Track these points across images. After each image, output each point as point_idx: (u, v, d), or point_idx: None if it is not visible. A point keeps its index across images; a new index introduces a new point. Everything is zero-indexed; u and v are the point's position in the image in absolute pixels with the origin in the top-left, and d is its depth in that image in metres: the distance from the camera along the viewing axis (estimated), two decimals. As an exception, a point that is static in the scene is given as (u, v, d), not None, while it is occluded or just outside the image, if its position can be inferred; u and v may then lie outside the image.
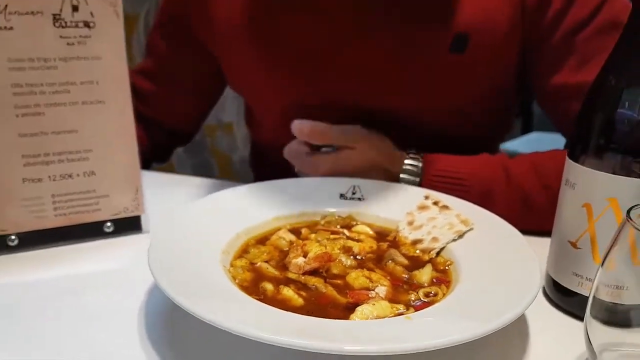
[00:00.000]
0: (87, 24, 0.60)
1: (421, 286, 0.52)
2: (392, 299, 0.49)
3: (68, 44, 0.60)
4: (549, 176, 0.67)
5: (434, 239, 0.59)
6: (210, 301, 0.43)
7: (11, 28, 0.57)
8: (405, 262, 0.56)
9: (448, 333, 0.39)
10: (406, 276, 0.54)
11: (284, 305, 0.47)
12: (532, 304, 0.45)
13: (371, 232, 0.63)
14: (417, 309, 0.47)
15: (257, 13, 0.78)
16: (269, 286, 0.50)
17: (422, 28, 0.73)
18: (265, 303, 0.46)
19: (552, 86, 0.74)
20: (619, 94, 0.47)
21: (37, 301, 0.54)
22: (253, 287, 0.50)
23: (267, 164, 0.96)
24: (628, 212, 0.38)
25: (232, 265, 0.53)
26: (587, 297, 0.40)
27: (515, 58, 0.77)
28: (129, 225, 0.67)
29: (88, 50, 0.60)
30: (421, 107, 0.77)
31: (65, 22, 0.59)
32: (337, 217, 0.65)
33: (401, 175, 0.71)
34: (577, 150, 0.50)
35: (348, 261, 0.55)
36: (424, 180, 0.71)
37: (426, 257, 0.57)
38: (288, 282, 0.51)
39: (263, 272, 0.53)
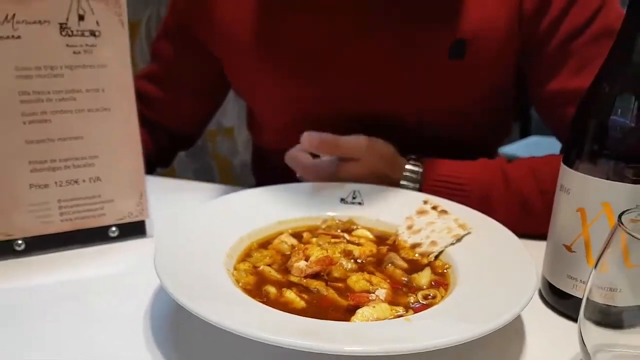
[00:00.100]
0: (93, 33, 0.61)
1: (420, 289, 0.53)
2: (392, 302, 0.50)
3: (74, 52, 0.61)
4: (546, 181, 0.68)
5: (433, 243, 0.60)
6: (214, 303, 0.44)
7: (19, 37, 0.58)
8: (405, 265, 0.57)
9: (446, 334, 0.41)
10: (405, 279, 0.55)
11: (286, 307, 0.48)
12: (529, 306, 0.46)
13: (371, 236, 0.64)
14: (416, 311, 0.48)
15: (260, 16, 0.79)
16: (271, 289, 0.51)
17: (422, 32, 0.74)
18: (268, 305, 0.47)
19: (548, 92, 0.76)
20: (612, 101, 0.48)
21: (44, 305, 0.55)
22: (256, 290, 0.51)
23: (268, 168, 0.97)
24: (619, 216, 0.39)
25: (235, 269, 0.54)
26: (581, 300, 0.41)
27: (513, 63, 0.78)
28: (134, 229, 0.68)
29: (94, 58, 0.62)
30: (421, 110, 0.78)
31: (72, 31, 0.60)
32: (337, 222, 0.66)
33: (401, 182, 0.72)
34: (571, 156, 0.51)
35: (349, 265, 0.56)
36: (425, 184, 0.72)
37: (425, 261, 0.58)
38: (290, 285, 0.52)
39: (266, 275, 0.54)
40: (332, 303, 0.50)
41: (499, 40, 0.74)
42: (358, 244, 0.61)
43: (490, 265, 0.53)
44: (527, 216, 0.68)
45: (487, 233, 0.59)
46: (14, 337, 0.49)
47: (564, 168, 0.52)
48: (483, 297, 0.48)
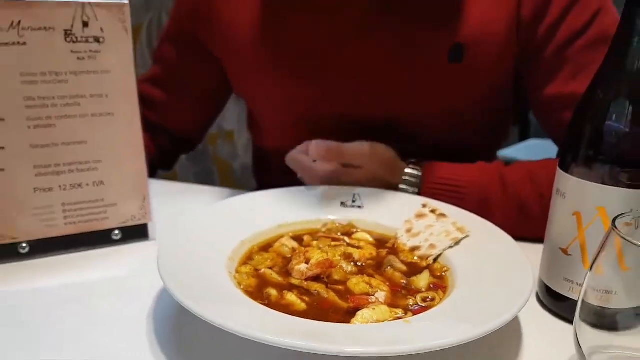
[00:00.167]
0: (97, 39, 0.62)
1: (419, 291, 0.53)
2: (391, 304, 0.51)
3: (79, 58, 0.62)
4: (543, 184, 0.68)
5: (432, 246, 0.60)
6: (217, 306, 0.45)
7: (24, 43, 0.59)
8: (404, 268, 0.58)
9: (444, 335, 0.41)
10: (405, 282, 0.55)
11: (287, 309, 0.49)
12: (527, 309, 0.46)
13: (371, 239, 0.64)
14: (415, 313, 0.49)
15: (261, 18, 0.80)
16: (273, 292, 0.51)
17: (421, 35, 0.76)
18: (270, 308, 0.47)
19: (545, 96, 0.77)
20: (606, 107, 0.49)
21: (48, 307, 0.55)
22: (258, 292, 0.52)
23: (269, 168, 0.98)
24: (614, 221, 0.39)
25: (237, 272, 0.55)
26: (577, 302, 0.41)
27: (512, 68, 0.79)
28: (137, 233, 0.69)
29: (98, 64, 0.62)
30: (420, 112, 0.79)
31: (76, 38, 0.61)
32: (337, 225, 0.67)
33: (400, 186, 0.73)
34: (567, 161, 0.51)
35: (349, 267, 0.57)
36: (424, 187, 0.73)
37: (424, 264, 0.59)
38: (291, 287, 0.53)
39: (267, 278, 0.55)
40: (333, 305, 0.51)
41: (497, 45, 0.75)
42: (358, 247, 0.61)
43: (487, 268, 0.54)
44: (525, 220, 0.69)
45: (485, 236, 0.60)
46: (18, 339, 0.50)
47: (559, 172, 0.53)
48: (481, 299, 0.49)
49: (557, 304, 0.55)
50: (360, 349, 0.40)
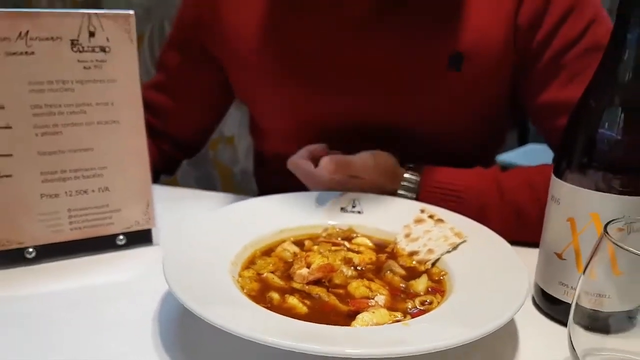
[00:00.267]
0: (103, 49, 0.63)
1: (417, 295, 0.55)
2: (391, 307, 0.52)
3: (85, 67, 0.63)
4: (539, 190, 0.69)
5: (430, 251, 0.61)
6: (221, 308, 0.46)
7: (32, 53, 0.61)
8: (403, 272, 0.59)
9: (442, 337, 0.43)
10: (403, 286, 0.56)
11: (289, 313, 0.50)
12: (523, 312, 0.48)
13: (370, 244, 0.65)
14: (413, 316, 0.50)
15: (264, 27, 0.82)
16: (275, 295, 0.53)
17: (421, 44, 0.77)
18: (272, 311, 0.49)
19: (540, 103, 0.78)
20: (599, 115, 0.50)
21: (53, 311, 0.56)
22: (260, 296, 0.53)
23: (270, 172, 0.99)
24: (605, 227, 0.41)
25: (240, 276, 0.56)
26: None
27: (510, 75, 0.80)
28: (141, 238, 0.70)
29: (104, 73, 0.64)
30: (419, 118, 0.81)
31: (83, 47, 0.63)
32: (338, 230, 0.68)
33: (399, 191, 0.75)
34: (561, 168, 0.53)
35: (349, 272, 0.58)
36: (422, 191, 0.74)
37: (422, 268, 0.60)
38: (293, 291, 0.54)
39: (269, 282, 0.56)
40: (333, 308, 0.52)
41: (495, 54, 0.77)
42: (358, 252, 0.63)
43: (484, 273, 0.55)
44: (521, 225, 0.70)
45: (482, 241, 0.61)
46: (24, 343, 0.51)
47: (554, 179, 0.54)
48: (478, 302, 0.50)
49: (552, 307, 0.56)
50: (360, 350, 0.41)
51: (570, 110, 0.54)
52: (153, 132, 0.91)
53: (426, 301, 0.53)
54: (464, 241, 0.62)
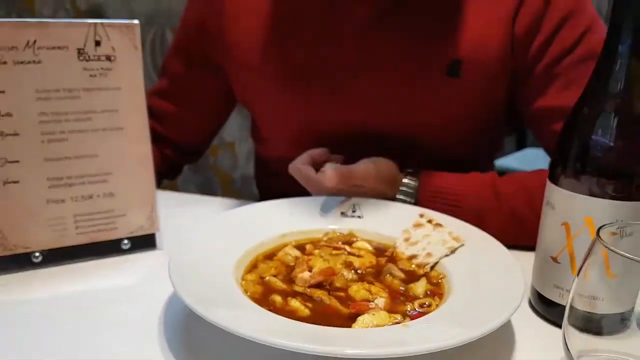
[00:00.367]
0: (108, 58, 0.65)
1: (416, 298, 0.56)
2: (390, 310, 0.53)
3: (91, 75, 0.64)
4: (535, 195, 0.69)
5: (428, 255, 0.63)
6: (225, 311, 0.47)
7: (39, 62, 0.62)
8: (402, 275, 0.60)
9: (440, 338, 0.44)
10: (403, 289, 0.58)
11: (292, 315, 0.51)
12: (520, 315, 0.49)
13: (370, 248, 0.66)
14: (412, 318, 0.51)
15: (267, 34, 0.83)
16: (277, 298, 0.54)
17: (420, 51, 0.78)
18: (275, 313, 0.50)
19: (536, 109, 0.79)
20: (592, 122, 0.51)
21: (59, 314, 0.57)
22: (263, 299, 0.54)
23: (271, 176, 0.99)
24: (598, 231, 0.42)
25: (243, 279, 0.57)
26: (567, 307, 0.44)
27: (507, 81, 0.81)
28: (145, 242, 0.71)
29: (109, 81, 0.65)
30: (418, 124, 0.82)
31: (89, 56, 0.64)
32: (338, 234, 0.69)
33: (397, 196, 0.76)
34: (556, 174, 0.54)
35: (350, 275, 0.59)
36: (420, 195, 0.75)
37: (421, 271, 0.61)
38: (295, 294, 0.55)
39: (272, 285, 0.57)
40: (335, 311, 0.53)
41: (493, 61, 0.78)
42: (358, 256, 0.63)
43: (482, 275, 0.57)
44: (518, 229, 0.71)
45: (479, 245, 0.63)
46: (30, 345, 0.52)
47: (549, 184, 0.55)
48: (475, 304, 0.51)
49: (548, 309, 0.57)
50: (361, 351, 0.42)
51: (566, 116, 0.55)
52: (156, 138, 0.92)
53: (425, 303, 0.54)
54: (462, 245, 0.63)
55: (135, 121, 0.67)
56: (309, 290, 0.56)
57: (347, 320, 0.51)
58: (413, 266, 0.62)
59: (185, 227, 0.64)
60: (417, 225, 0.68)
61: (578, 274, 0.43)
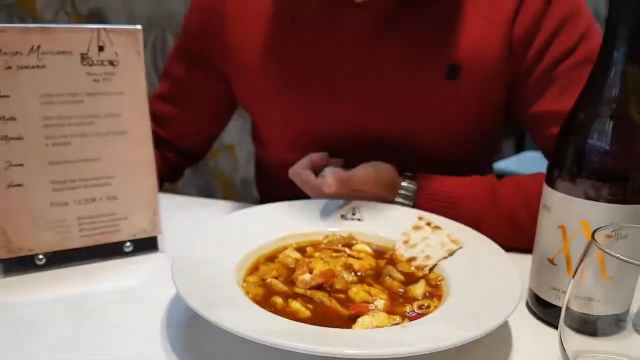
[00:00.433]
0: (111, 62, 0.66)
1: (415, 299, 0.56)
2: (390, 311, 0.54)
3: (94, 80, 0.65)
4: (533, 198, 0.70)
5: (427, 257, 0.63)
6: (227, 312, 0.48)
7: (43, 66, 0.63)
8: (401, 277, 0.61)
9: (439, 339, 0.45)
10: (402, 290, 0.58)
11: (293, 316, 0.52)
12: (517, 316, 0.50)
13: (370, 251, 0.67)
14: (411, 319, 0.52)
15: (267, 38, 0.84)
16: (279, 300, 0.55)
17: (419, 56, 0.79)
18: (276, 315, 0.51)
19: (534, 113, 0.80)
20: (588, 126, 0.52)
21: (63, 316, 0.58)
22: (265, 300, 0.55)
23: (271, 179, 1.00)
24: (593, 234, 0.43)
25: (245, 281, 0.58)
26: (563, 309, 0.44)
27: (505, 85, 0.82)
28: (147, 245, 0.72)
29: (112, 86, 0.66)
30: (417, 128, 0.82)
31: (92, 61, 0.65)
32: (338, 237, 0.69)
33: (396, 199, 0.76)
34: (552, 177, 0.55)
35: (349, 277, 0.60)
36: (419, 200, 0.76)
37: (420, 273, 0.62)
38: (296, 296, 0.56)
39: (273, 287, 0.58)
40: (335, 312, 0.54)
41: (491, 65, 0.79)
42: (358, 258, 0.64)
43: (479, 278, 0.57)
44: (516, 232, 0.72)
45: (477, 248, 0.63)
46: (35, 347, 0.52)
47: (546, 188, 0.56)
48: (473, 306, 0.52)
49: (545, 310, 0.58)
50: (360, 351, 0.43)
51: (563, 120, 0.56)
52: (158, 141, 0.93)
53: (424, 305, 0.55)
54: (460, 247, 0.64)
55: (137, 125, 0.68)
56: (309, 292, 0.57)
57: (347, 322, 0.52)
58: (412, 268, 0.63)
59: (187, 230, 0.64)
60: (416, 228, 0.69)
61: (574, 276, 0.43)
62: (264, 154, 1.01)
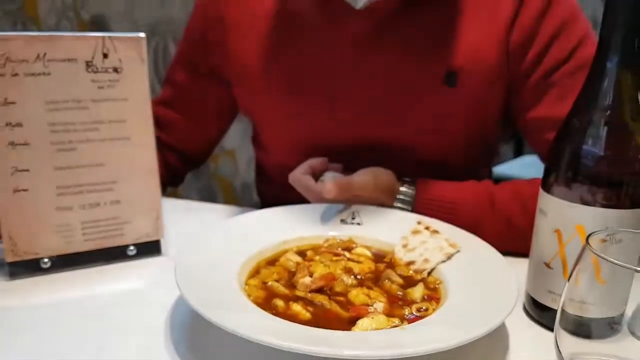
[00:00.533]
0: (115, 69, 0.67)
1: (414, 302, 0.57)
2: (389, 314, 0.55)
3: (99, 87, 0.66)
4: (529, 202, 0.71)
5: (426, 261, 0.64)
6: (230, 314, 0.49)
7: (49, 73, 0.64)
8: (400, 281, 0.62)
9: (437, 340, 0.46)
10: (401, 293, 0.59)
11: (293, 319, 0.52)
12: (514, 319, 0.51)
13: (369, 254, 0.68)
14: (410, 321, 0.53)
15: (268, 46, 0.85)
16: (280, 302, 0.55)
17: (417, 63, 0.80)
18: (278, 317, 0.52)
19: (531, 118, 0.81)
20: (583, 133, 0.53)
21: (66, 318, 0.59)
22: (266, 303, 0.56)
23: (271, 182, 1.01)
24: (587, 238, 0.43)
25: (247, 284, 0.59)
26: (559, 312, 0.45)
27: (503, 91, 0.83)
28: (150, 248, 0.73)
29: (116, 92, 0.67)
30: (415, 134, 0.83)
31: (97, 68, 0.66)
32: (338, 241, 0.70)
33: (395, 204, 0.77)
34: (548, 182, 0.56)
35: (349, 280, 0.60)
36: (417, 205, 0.77)
37: (418, 277, 0.63)
38: (297, 299, 0.57)
39: (274, 290, 0.59)
40: (335, 315, 0.55)
41: (489, 72, 0.80)
42: (357, 262, 0.65)
43: (477, 281, 0.58)
44: (512, 236, 0.73)
45: (475, 251, 0.64)
46: (39, 350, 0.53)
47: (542, 192, 0.57)
48: (470, 309, 0.53)
49: (541, 313, 0.59)
50: (360, 352, 0.44)
51: (559, 125, 0.57)
52: (160, 146, 0.94)
53: (422, 308, 0.56)
54: (458, 251, 0.65)
55: (141, 131, 0.69)
56: (310, 294, 0.58)
57: (347, 324, 0.53)
58: (411, 272, 0.64)
59: (189, 234, 0.65)
60: (415, 232, 0.70)
61: (569, 280, 0.44)
62: (264, 158, 1.02)
